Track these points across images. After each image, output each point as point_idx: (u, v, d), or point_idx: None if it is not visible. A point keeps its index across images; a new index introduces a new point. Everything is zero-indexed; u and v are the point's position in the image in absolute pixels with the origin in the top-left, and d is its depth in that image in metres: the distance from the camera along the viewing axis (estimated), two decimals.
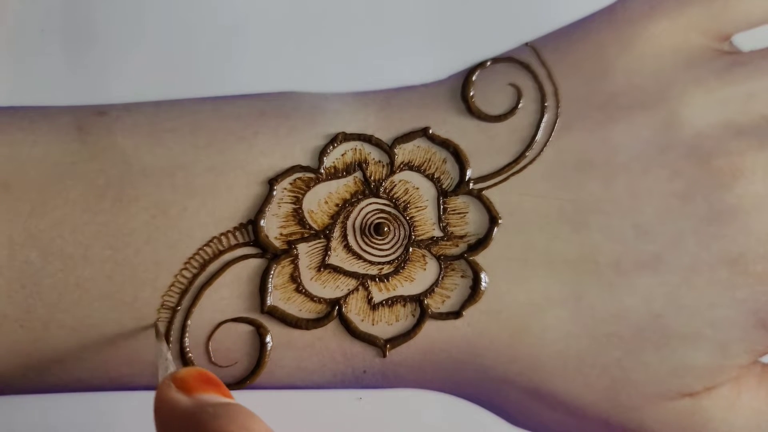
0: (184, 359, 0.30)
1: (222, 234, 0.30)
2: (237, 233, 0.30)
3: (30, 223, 0.30)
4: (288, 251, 0.30)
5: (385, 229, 0.31)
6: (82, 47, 0.32)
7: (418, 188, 0.31)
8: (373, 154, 0.31)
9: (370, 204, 0.31)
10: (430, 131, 0.31)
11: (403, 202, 0.31)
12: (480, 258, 0.31)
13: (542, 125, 0.31)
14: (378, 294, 0.30)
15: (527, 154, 0.31)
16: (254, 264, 0.30)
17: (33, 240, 0.30)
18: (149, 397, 0.29)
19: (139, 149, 0.31)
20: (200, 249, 0.30)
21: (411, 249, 0.31)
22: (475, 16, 0.33)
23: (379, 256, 0.31)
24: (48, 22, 0.32)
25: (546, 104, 0.32)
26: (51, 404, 0.30)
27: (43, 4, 0.32)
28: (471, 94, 0.32)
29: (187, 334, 0.30)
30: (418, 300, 0.30)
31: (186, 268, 0.30)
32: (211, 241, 0.30)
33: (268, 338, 0.30)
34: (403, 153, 0.31)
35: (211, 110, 0.31)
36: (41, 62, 0.32)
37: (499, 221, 0.31)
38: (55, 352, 0.29)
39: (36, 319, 0.29)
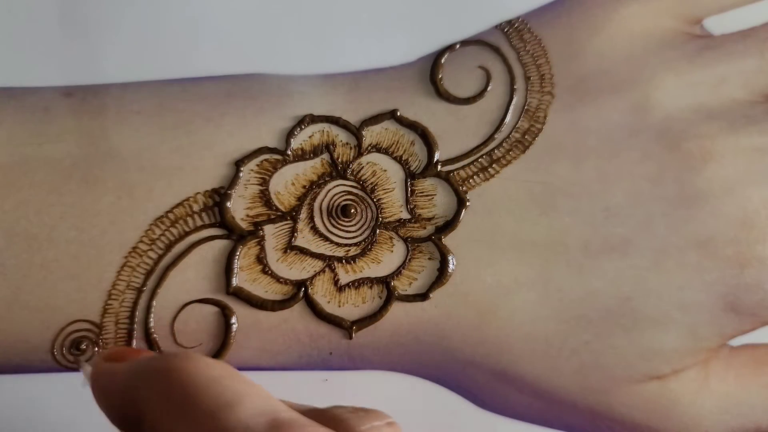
0: (149, 340, 0.30)
1: (188, 215, 0.30)
2: (203, 214, 0.30)
3: None
4: (254, 232, 0.30)
5: (352, 210, 0.30)
6: (49, 30, 0.32)
7: (385, 170, 0.31)
8: (340, 136, 0.31)
9: (338, 186, 0.31)
10: (399, 113, 0.31)
11: (371, 184, 0.31)
12: (448, 240, 0.31)
13: (511, 108, 0.31)
14: (345, 276, 0.30)
15: (496, 136, 0.31)
16: (220, 245, 0.30)
17: None
18: None
19: (106, 131, 0.31)
20: (166, 230, 0.30)
21: (378, 231, 0.31)
22: None
23: (345, 238, 0.31)
24: (15, 4, 0.32)
25: (515, 87, 0.32)
26: (16, 385, 0.30)
27: None
28: (440, 76, 0.32)
29: (152, 315, 0.30)
30: (384, 282, 0.30)
31: (152, 249, 0.30)
32: (176, 221, 0.30)
33: (233, 319, 0.30)
34: (371, 135, 0.31)
35: (178, 92, 0.31)
36: (7, 45, 0.32)
37: (467, 203, 0.31)
38: (20, 333, 0.29)
39: (0, 299, 0.29)
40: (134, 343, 0.30)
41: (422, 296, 0.30)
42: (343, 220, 0.31)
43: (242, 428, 0.18)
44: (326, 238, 0.30)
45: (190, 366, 0.19)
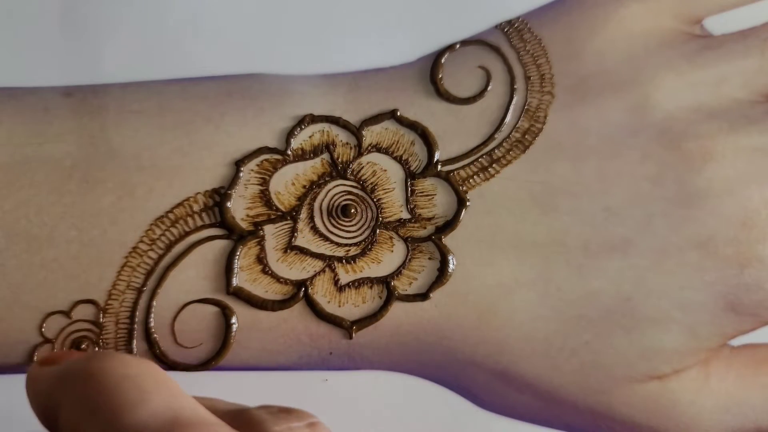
0: (149, 340, 0.30)
1: (188, 215, 0.30)
2: (203, 214, 0.30)
3: None
4: (254, 232, 0.30)
5: (352, 210, 0.30)
6: (49, 30, 0.32)
7: (386, 170, 0.31)
8: (340, 135, 0.31)
9: (338, 186, 0.31)
10: (399, 113, 0.31)
11: (371, 183, 0.31)
12: (448, 240, 0.31)
13: (511, 108, 0.31)
14: (345, 276, 0.30)
15: (496, 136, 0.31)
16: (220, 245, 0.30)
17: None
18: None
19: (106, 130, 0.31)
20: (166, 230, 0.30)
21: (378, 231, 0.31)
22: None
23: (346, 238, 0.31)
24: (15, 4, 0.32)
25: (515, 87, 0.32)
26: (17, 385, 0.30)
27: None
28: (440, 76, 0.32)
29: (152, 315, 0.29)
30: (385, 282, 0.30)
31: (152, 249, 0.30)
32: (177, 221, 0.30)
33: (234, 319, 0.30)
34: (371, 135, 0.31)
35: (178, 91, 0.31)
36: (7, 45, 0.32)
37: (467, 203, 0.31)
38: (20, 333, 0.29)
39: (0, 299, 0.29)
40: (135, 343, 0.30)
41: (422, 296, 0.30)
42: (343, 220, 0.31)
43: (140, 428, 0.17)
44: (326, 238, 0.30)
45: (104, 365, 0.19)
